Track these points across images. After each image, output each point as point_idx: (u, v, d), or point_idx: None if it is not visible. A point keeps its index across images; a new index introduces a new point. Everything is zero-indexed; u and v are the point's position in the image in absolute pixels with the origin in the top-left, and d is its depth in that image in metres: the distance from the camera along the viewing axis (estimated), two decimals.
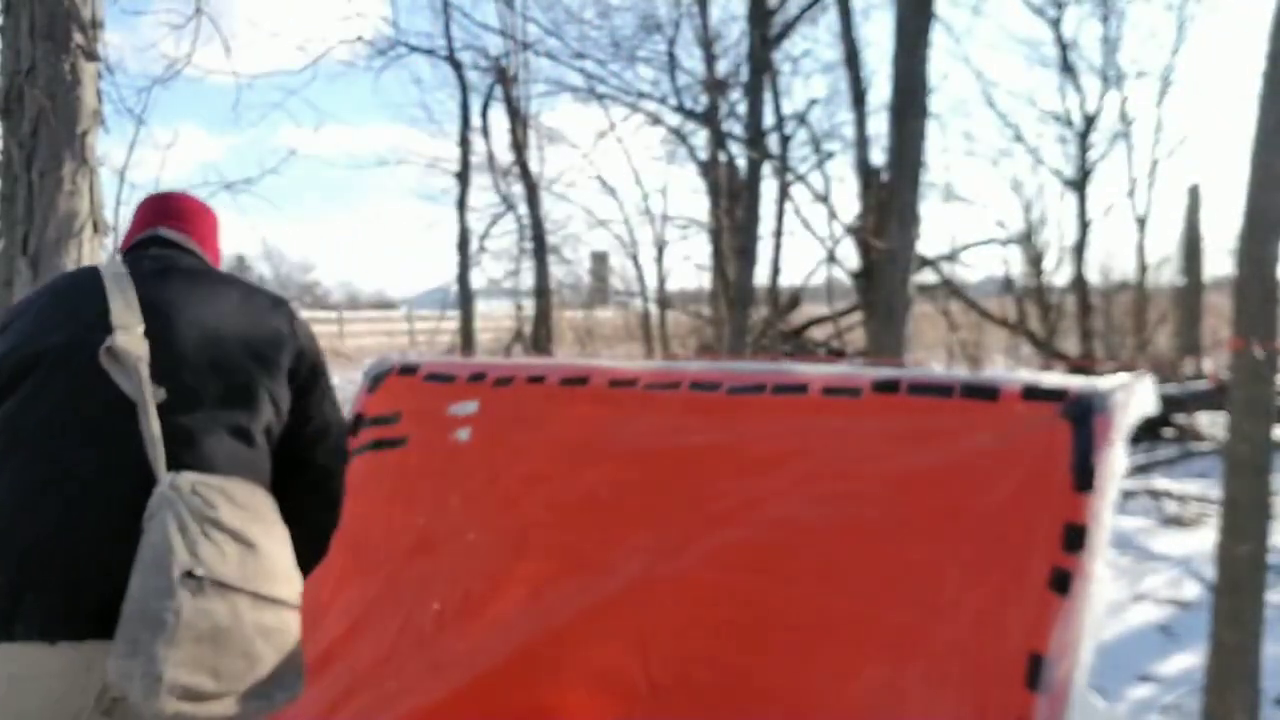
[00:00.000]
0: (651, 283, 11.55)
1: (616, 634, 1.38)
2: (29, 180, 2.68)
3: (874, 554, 1.27)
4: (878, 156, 6.43)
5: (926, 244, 11.75)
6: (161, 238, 1.44)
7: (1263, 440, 2.16)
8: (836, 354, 9.45)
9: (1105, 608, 1.07)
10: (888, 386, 1.35)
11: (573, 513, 1.54)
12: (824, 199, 7.97)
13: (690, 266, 13.39)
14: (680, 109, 8.81)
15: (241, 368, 1.30)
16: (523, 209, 9.14)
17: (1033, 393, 1.23)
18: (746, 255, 6.92)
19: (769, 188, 9.04)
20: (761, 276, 8.60)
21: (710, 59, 9.07)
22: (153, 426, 1.17)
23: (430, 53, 8.63)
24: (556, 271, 10.83)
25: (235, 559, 1.14)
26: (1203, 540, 4.86)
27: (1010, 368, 10.83)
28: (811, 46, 16.90)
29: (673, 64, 9.02)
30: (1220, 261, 13.54)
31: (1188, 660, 3.41)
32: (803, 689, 1.25)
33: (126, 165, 3.27)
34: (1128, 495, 5.93)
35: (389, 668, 1.54)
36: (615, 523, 1.48)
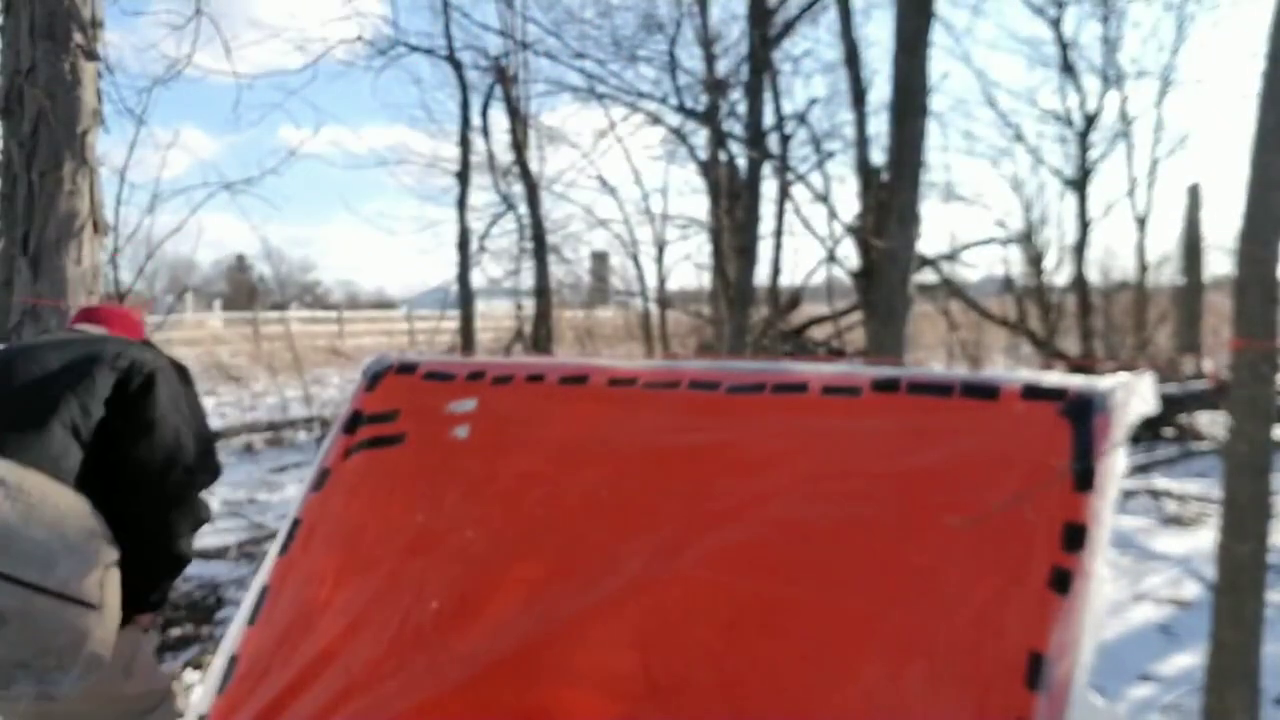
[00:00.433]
0: (651, 282, 11.55)
1: (616, 634, 1.38)
2: (29, 180, 2.68)
3: (874, 553, 1.27)
4: (878, 156, 6.44)
5: (926, 244, 11.76)
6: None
7: (1263, 440, 2.16)
8: (836, 354, 9.45)
9: (1105, 607, 1.07)
10: (887, 386, 1.35)
11: (572, 512, 1.54)
12: (824, 199, 7.97)
13: (690, 266, 13.40)
14: (680, 109, 8.81)
15: (50, 375, 1.40)
16: (523, 209, 9.15)
17: (1033, 392, 1.23)
18: (746, 255, 6.92)
19: (769, 188, 9.05)
20: (761, 276, 8.60)
21: (710, 59, 9.07)
22: None
23: (430, 53, 8.63)
24: (556, 271, 10.84)
25: None
26: (1203, 540, 4.86)
27: (1010, 368, 10.84)
28: (811, 46, 16.93)
29: (673, 64, 9.03)
30: (1220, 261, 13.55)
31: (1188, 660, 3.41)
32: (803, 689, 1.24)
33: (126, 165, 3.28)
34: (1128, 495, 5.93)
35: (388, 667, 1.53)
36: (614, 522, 1.48)
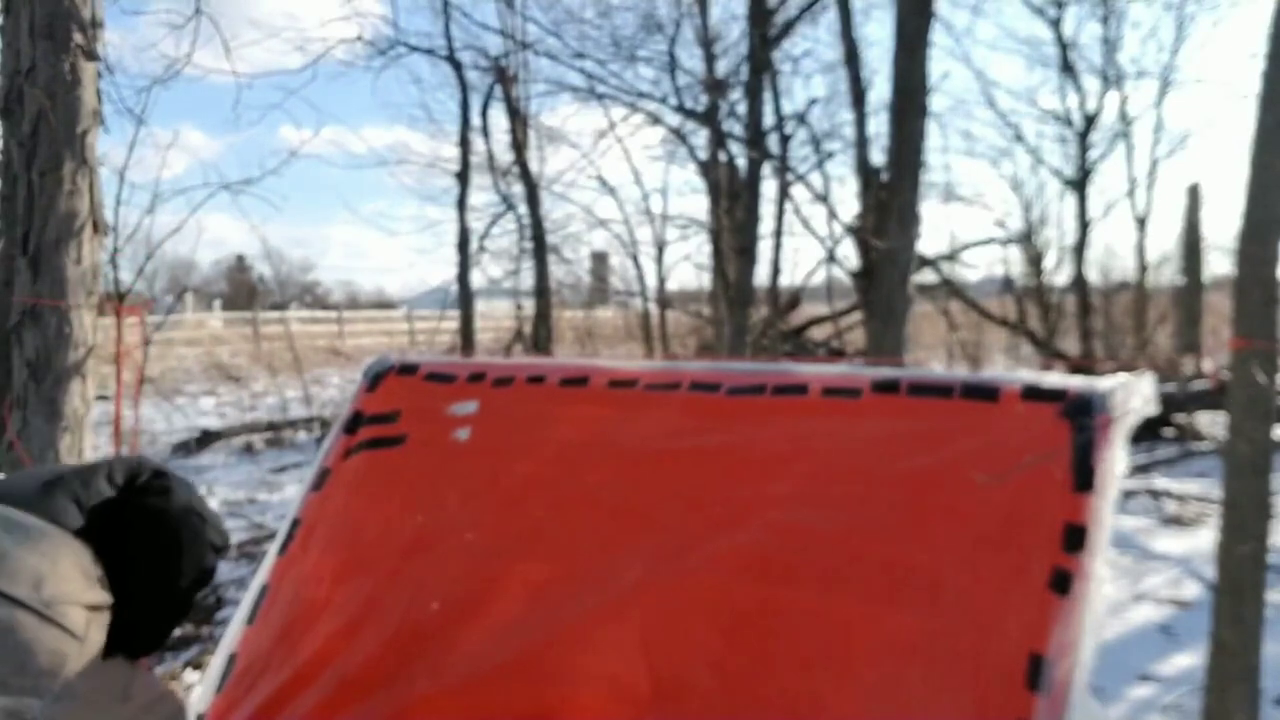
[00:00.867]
0: (651, 283, 11.55)
1: (619, 638, 1.38)
2: (29, 180, 2.68)
3: (874, 555, 1.27)
4: (878, 156, 6.43)
5: (926, 244, 11.78)
6: None
7: (1263, 440, 2.16)
8: (836, 354, 9.45)
9: (1105, 608, 1.07)
10: (887, 387, 1.35)
11: (573, 515, 1.54)
12: (824, 199, 7.97)
13: (690, 266, 13.40)
14: (680, 109, 8.82)
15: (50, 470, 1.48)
16: (523, 209, 9.15)
17: (1033, 393, 1.23)
18: (746, 255, 6.93)
19: (769, 188, 9.06)
20: (761, 276, 8.60)
21: (710, 59, 9.08)
22: None
23: (430, 53, 8.64)
24: (556, 271, 10.84)
25: None
26: (1203, 540, 4.87)
27: (1010, 368, 10.84)
28: (811, 46, 16.94)
29: (673, 64, 9.03)
30: (1220, 261, 13.57)
31: (1188, 660, 3.42)
32: (805, 691, 1.25)
33: (126, 165, 3.27)
34: (1128, 495, 5.93)
35: (387, 667, 1.54)
36: (616, 526, 1.48)
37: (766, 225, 8.47)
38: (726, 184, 9.24)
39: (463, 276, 8.54)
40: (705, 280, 11.47)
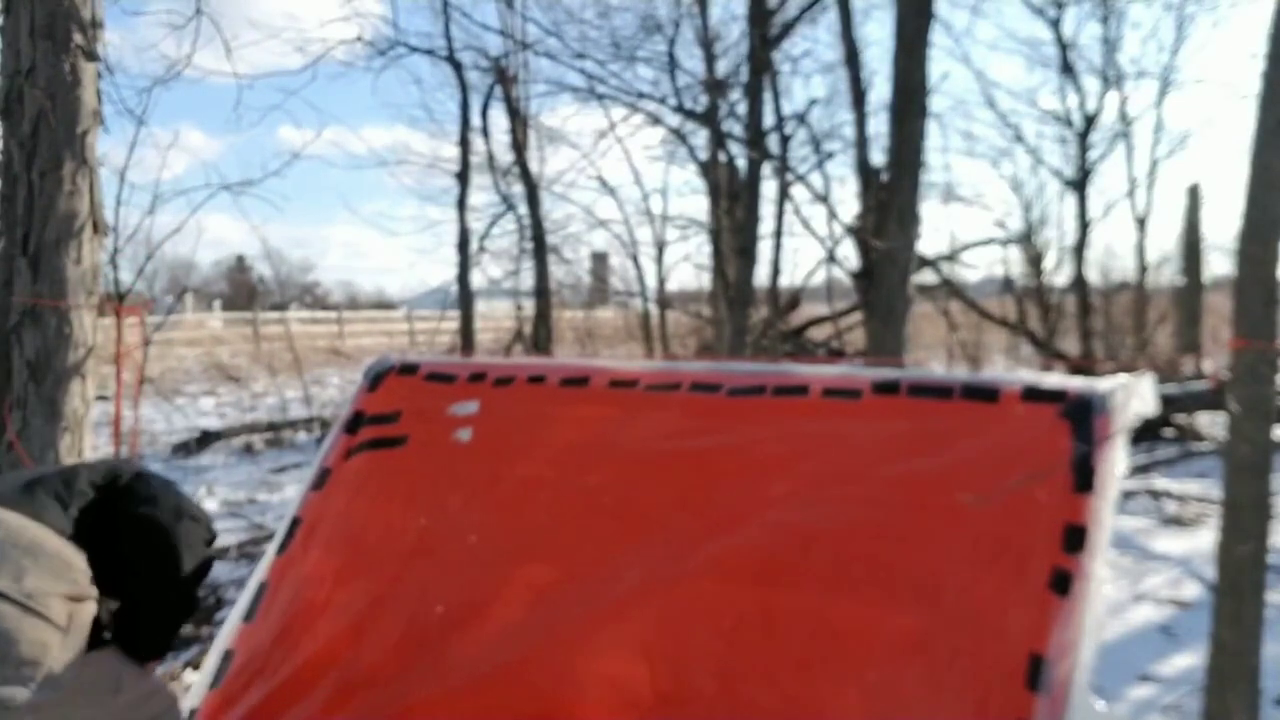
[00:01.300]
0: (651, 283, 11.55)
1: (620, 640, 1.38)
2: (29, 180, 2.68)
3: (874, 557, 1.27)
4: (878, 156, 6.43)
5: (926, 244, 11.78)
6: None
7: (1263, 441, 2.16)
8: (836, 354, 9.45)
9: (1105, 608, 1.07)
10: (887, 388, 1.35)
11: (575, 518, 1.53)
12: (824, 199, 7.97)
13: (690, 267, 13.40)
14: (680, 109, 8.81)
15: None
16: (523, 209, 9.14)
17: (1032, 393, 1.23)
18: (746, 255, 6.92)
19: (769, 188, 9.06)
20: (761, 276, 8.60)
21: (710, 59, 9.07)
22: None
23: (430, 53, 8.63)
24: (556, 271, 10.83)
25: None
26: (1203, 540, 4.87)
27: (1010, 368, 10.84)
28: (811, 46, 16.95)
29: (673, 64, 9.02)
30: (1220, 261, 13.56)
31: (1188, 660, 3.41)
32: (805, 694, 1.24)
33: (126, 165, 3.27)
34: (1128, 495, 5.93)
35: (391, 669, 1.53)
36: (617, 529, 1.48)
37: (766, 225, 8.47)
38: (726, 184, 9.23)
39: (463, 277, 8.54)
40: (705, 280, 11.48)
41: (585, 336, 13.22)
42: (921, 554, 1.23)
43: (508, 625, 1.47)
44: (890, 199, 4.65)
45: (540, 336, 8.92)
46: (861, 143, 6.68)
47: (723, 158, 9.16)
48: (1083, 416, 1.16)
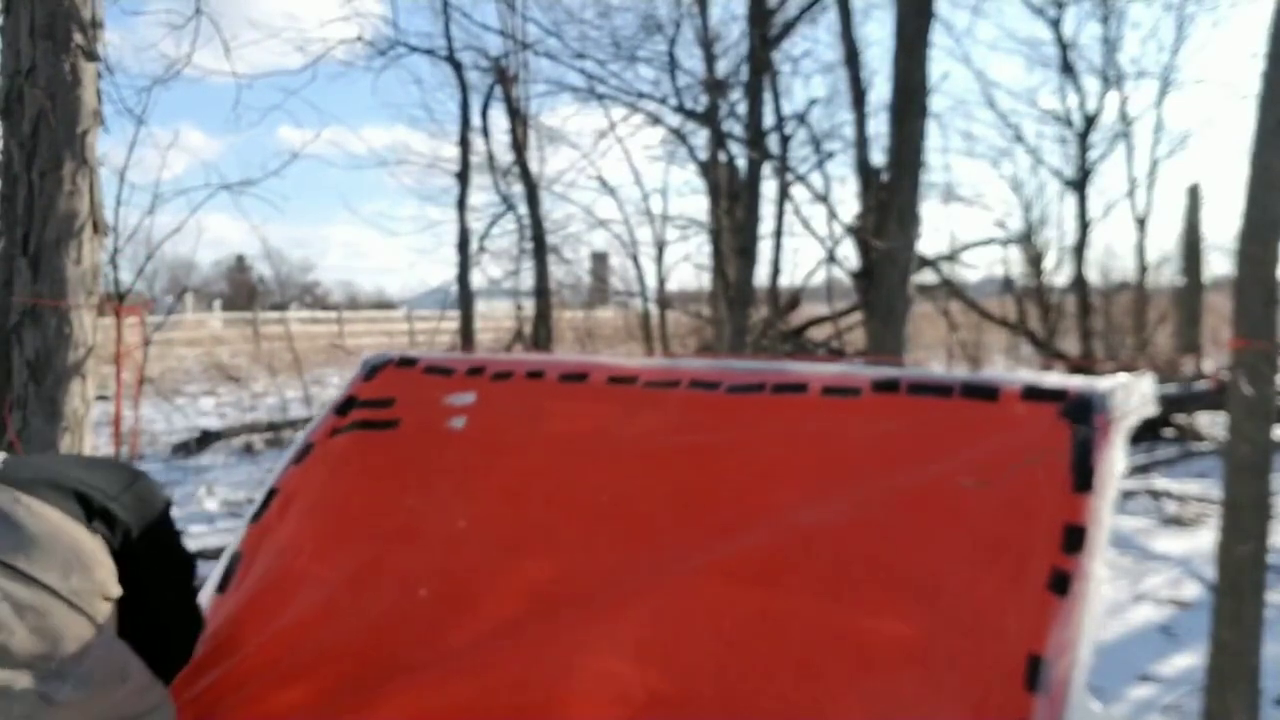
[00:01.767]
0: (651, 283, 11.53)
1: (612, 638, 1.37)
2: (29, 180, 2.68)
3: (873, 558, 1.26)
4: (878, 156, 6.43)
5: (926, 244, 11.78)
6: None
7: (1263, 441, 2.16)
8: (836, 354, 9.45)
9: (1105, 608, 1.07)
10: (887, 386, 1.35)
11: (569, 513, 1.52)
12: (824, 199, 7.97)
13: (690, 267, 13.37)
14: (680, 109, 8.80)
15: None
16: (523, 209, 9.14)
17: (1032, 393, 1.23)
18: (746, 255, 6.92)
19: (769, 188, 9.05)
20: (761, 277, 8.59)
21: (710, 59, 9.06)
22: None
23: (430, 53, 8.63)
24: (556, 271, 10.82)
25: None
26: (1203, 540, 4.86)
27: (1010, 368, 10.84)
28: (811, 46, 16.93)
29: (673, 64, 9.02)
30: (1220, 261, 13.56)
31: (1188, 660, 3.41)
32: (802, 696, 1.24)
33: (126, 165, 3.28)
34: (1128, 495, 5.93)
35: (368, 648, 1.51)
36: (612, 525, 1.47)
37: (766, 225, 8.46)
38: (726, 184, 9.23)
39: (463, 277, 8.53)
40: (705, 280, 11.46)
41: (585, 336, 13.21)
42: (920, 553, 1.22)
43: (496, 615, 1.46)
44: (890, 199, 4.65)
45: (540, 336, 8.92)
46: (861, 143, 6.68)
47: (723, 158, 9.16)
48: (1082, 416, 1.16)
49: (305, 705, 1.47)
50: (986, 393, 1.26)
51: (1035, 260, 11.81)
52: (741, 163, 8.23)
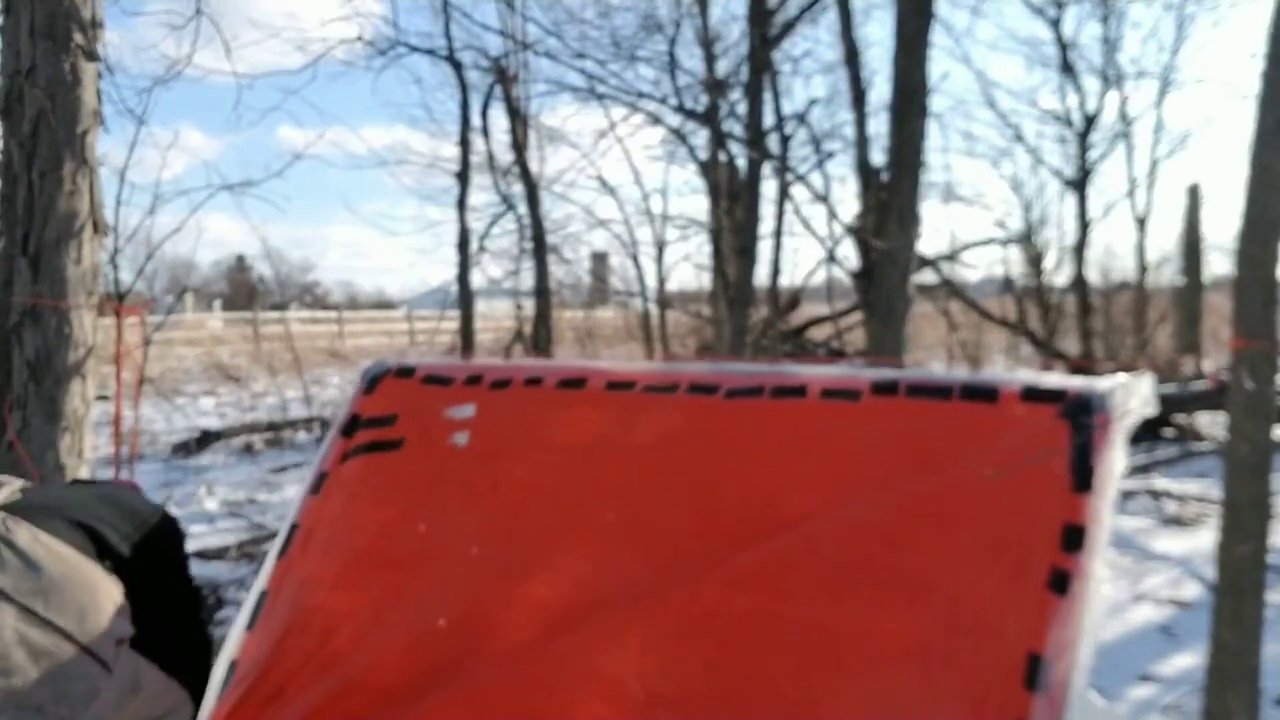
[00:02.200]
0: (651, 283, 11.53)
1: (614, 643, 1.37)
2: (29, 180, 2.68)
3: (872, 558, 1.26)
4: (878, 156, 6.43)
5: (926, 244, 11.78)
6: None
7: (1263, 441, 2.16)
8: (836, 354, 9.45)
9: (1105, 608, 1.07)
10: (886, 389, 1.35)
11: (574, 527, 1.52)
12: (824, 199, 7.96)
13: (690, 267, 13.36)
14: (680, 109, 8.80)
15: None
16: (523, 209, 9.13)
17: (1032, 393, 1.23)
18: (746, 255, 6.92)
19: (769, 188, 9.04)
20: (761, 277, 8.58)
21: (710, 59, 9.06)
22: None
23: (430, 53, 8.62)
24: (556, 271, 10.81)
25: (15, 571, 1.23)
26: (1203, 540, 4.87)
27: (1010, 368, 10.83)
28: (811, 46, 16.93)
29: (673, 64, 9.01)
30: (1220, 261, 13.56)
31: (1188, 660, 3.41)
32: (802, 698, 1.24)
33: (126, 165, 3.28)
34: (1128, 495, 5.93)
35: (392, 682, 1.52)
36: (616, 538, 1.47)
37: (766, 225, 8.45)
38: (726, 184, 9.23)
39: (463, 277, 8.53)
40: (705, 280, 11.45)
41: (585, 336, 13.21)
42: (919, 554, 1.22)
43: (511, 642, 1.47)
44: (890, 199, 4.65)
45: (540, 337, 8.92)
46: (861, 143, 6.68)
47: (723, 158, 9.16)
48: (1082, 416, 1.16)
49: None
50: (986, 394, 1.26)
51: (1035, 260, 11.81)
52: (741, 163, 8.23)
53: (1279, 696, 2.90)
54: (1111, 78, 11.58)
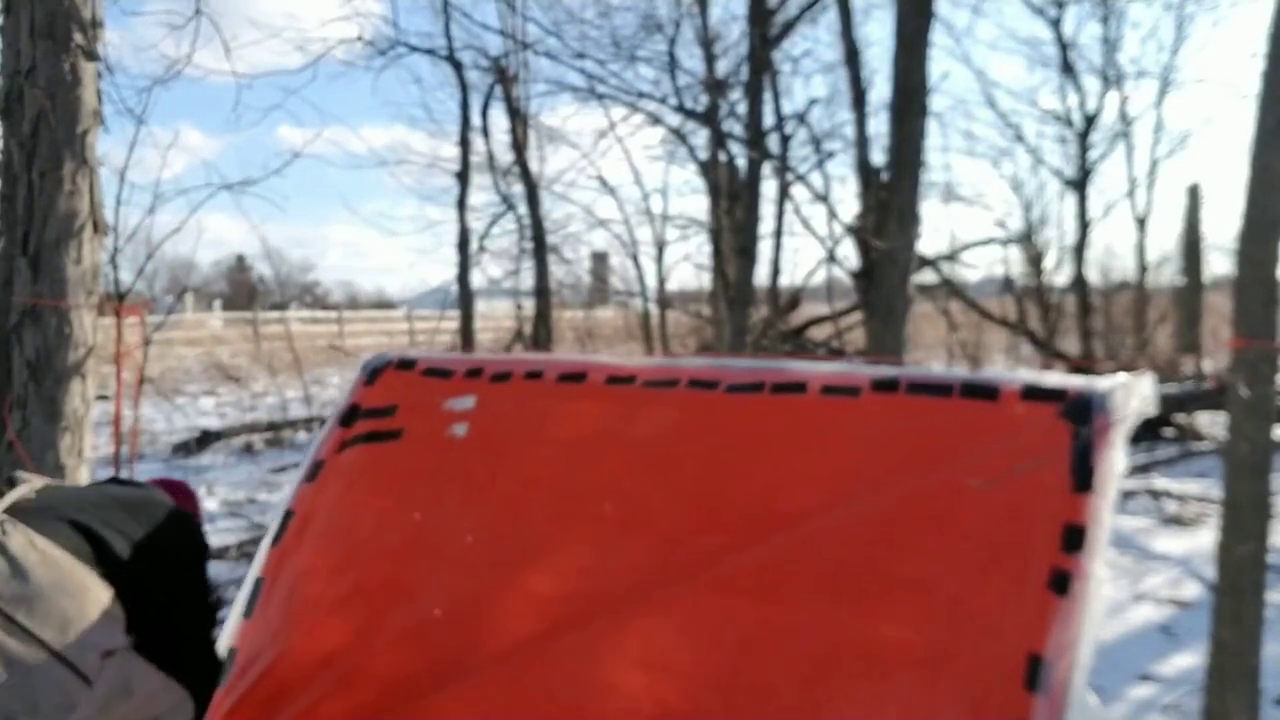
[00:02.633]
0: (651, 283, 11.53)
1: (617, 649, 1.37)
2: (29, 180, 2.68)
3: (873, 559, 1.26)
4: (878, 156, 6.43)
5: (926, 244, 11.78)
6: None
7: (1263, 441, 2.16)
8: (836, 354, 9.45)
9: (1105, 608, 1.07)
10: (887, 386, 1.34)
11: (572, 522, 1.52)
12: (824, 199, 7.97)
13: (690, 266, 13.37)
14: (680, 109, 8.80)
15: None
16: (523, 209, 9.14)
17: (1032, 393, 1.23)
18: (746, 255, 6.92)
19: (769, 188, 9.05)
20: (761, 276, 8.60)
21: (710, 59, 9.07)
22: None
23: (430, 53, 8.62)
24: (556, 271, 10.82)
25: (2, 577, 1.24)
26: (1203, 540, 4.87)
27: (1010, 368, 10.83)
28: (811, 46, 16.93)
29: (673, 64, 9.02)
30: (1220, 261, 13.57)
31: (1188, 660, 3.41)
32: (802, 699, 1.24)
33: (126, 165, 3.28)
34: (1128, 495, 5.93)
35: (388, 671, 1.52)
36: (614, 536, 1.47)
37: (766, 225, 8.47)
38: (726, 184, 9.23)
39: (463, 276, 8.53)
40: (705, 280, 11.45)
41: (585, 336, 13.21)
42: (919, 554, 1.22)
43: (509, 633, 1.46)
44: (890, 199, 4.65)
45: (540, 336, 8.92)
46: (861, 143, 6.68)
47: (723, 158, 9.16)
48: (1082, 416, 1.16)
49: None
50: (986, 392, 1.26)
51: (1035, 260, 11.81)
52: (741, 163, 8.23)
53: (1279, 696, 2.90)
54: (1111, 78, 11.60)
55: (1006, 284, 12.02)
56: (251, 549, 4.85)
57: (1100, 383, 1.19)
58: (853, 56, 6.95)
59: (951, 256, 10.89)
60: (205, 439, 8.41)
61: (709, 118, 8.62)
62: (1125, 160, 12.39)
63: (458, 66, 8.50)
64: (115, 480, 1.78)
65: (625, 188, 20.84)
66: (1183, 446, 7.70)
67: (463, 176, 8.58)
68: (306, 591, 1.62)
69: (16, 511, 1.36)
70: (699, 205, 14.81)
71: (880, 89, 13.84)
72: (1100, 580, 1.09)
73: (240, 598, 1.65)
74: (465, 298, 8.59)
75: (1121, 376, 1.20)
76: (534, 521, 1.53)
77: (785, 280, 9.74)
